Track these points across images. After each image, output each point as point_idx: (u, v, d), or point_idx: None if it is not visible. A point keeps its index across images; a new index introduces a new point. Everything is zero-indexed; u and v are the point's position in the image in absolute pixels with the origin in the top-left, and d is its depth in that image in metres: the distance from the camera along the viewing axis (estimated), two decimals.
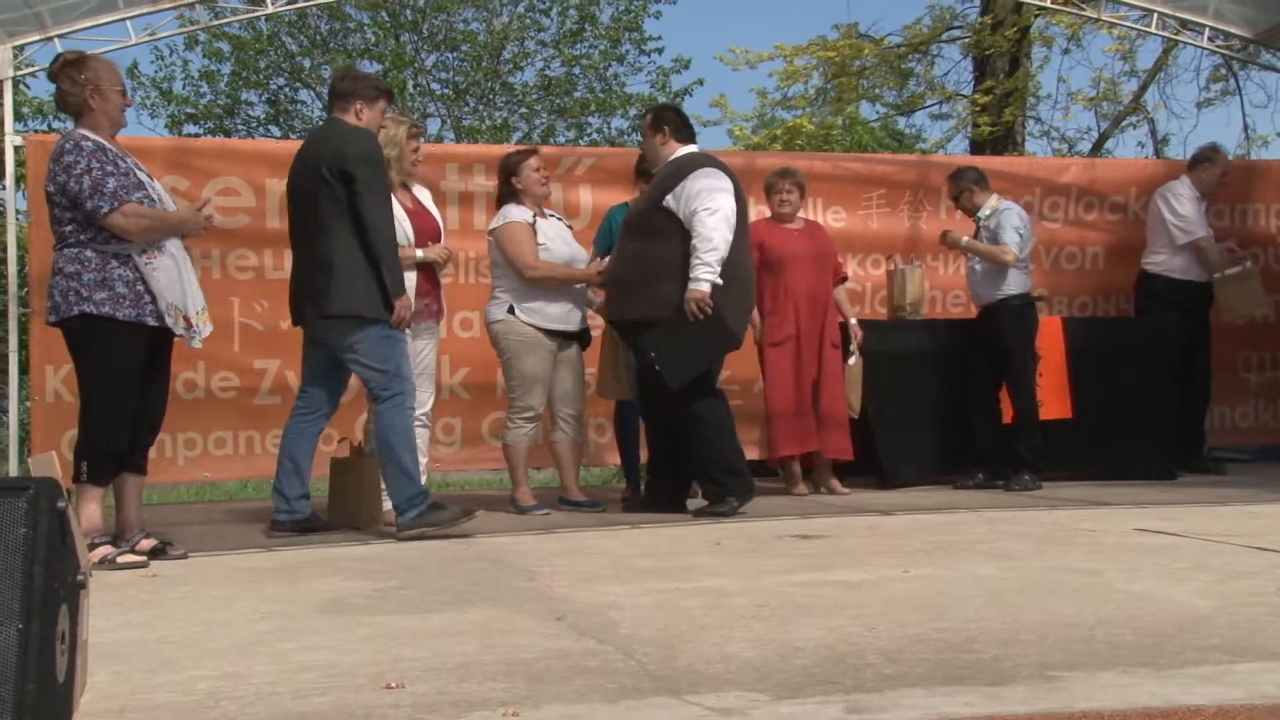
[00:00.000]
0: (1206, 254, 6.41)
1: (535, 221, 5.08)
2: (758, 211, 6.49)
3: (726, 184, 4.68)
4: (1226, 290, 6.40)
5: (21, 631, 1.53)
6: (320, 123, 4.76)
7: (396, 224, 4.56)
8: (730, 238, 4.60)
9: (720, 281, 4.54)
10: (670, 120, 4.95)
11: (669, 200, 4.66)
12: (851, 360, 5.71)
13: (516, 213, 5.10)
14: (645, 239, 4.72)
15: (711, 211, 4.55)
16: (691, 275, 4.54)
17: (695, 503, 4.95)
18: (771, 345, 5.61)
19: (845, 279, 5.91)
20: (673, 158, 4.81)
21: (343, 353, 4.26)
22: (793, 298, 5.57)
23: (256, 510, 5.33)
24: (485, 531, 4.39)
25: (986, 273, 5.82)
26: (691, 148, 4.88)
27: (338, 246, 4.18)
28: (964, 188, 5.98)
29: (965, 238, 6.00)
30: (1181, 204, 6.40)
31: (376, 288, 4.16)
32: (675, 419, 4.76)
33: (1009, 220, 5.80)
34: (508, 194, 5.18)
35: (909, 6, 25.42)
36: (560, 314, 5.06)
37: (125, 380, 3.77)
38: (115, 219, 3.68)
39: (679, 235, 4.60)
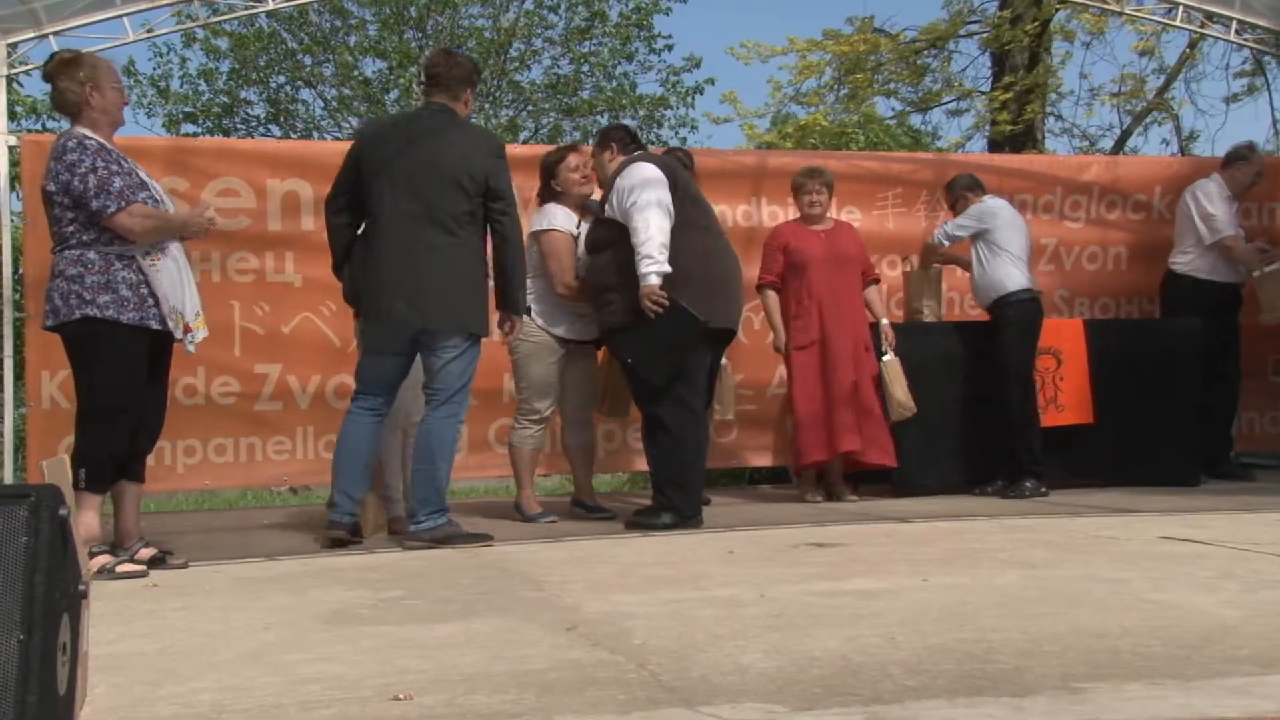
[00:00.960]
0: (1235, 253, 6.27)
1: (578, 232, 5.02)
2: (770, 213, 6.47)
3: (655, 174, 4.57)
4: (1266, 288, 6.26)
5: (23, 642, 1.50)
6: (423, 107, 4.45)
7: None
8: (666, 225, 4.48)
9: (669, 269, 4.43)
10: (617, 137, 4.93)
11: (609, 210, 4.64)
12: (887, 358, 5.58)
13: (562, 220, 5.02)
14: (595, 254, 4.72)
15: (639, 206, 4.46)
16: (639, 272, 4.44)
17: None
18: (797, 349, 5.51)
19: (877, 280, 5.79)
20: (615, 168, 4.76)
21: (430, 353, 4.19)
22: (816, 301, 5.48)
23: (257, 519, 5.29)
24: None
25: (979, 275, 5.77)
26: (634, 154, 4.81)
27: (463, 256, 4.14)
28: (958, 195, 5.93)
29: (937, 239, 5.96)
30: (1211, 203, 6.28)
31: (485, 303, 4.20)
32: (644, 424, 4.70)
33: (967, 211, 5.79)
34: (548, 195, 5.13)
35: (925, 2, 25.17)
36: (576, 327, 5.02)
37: (127, 385, 3.71)
38: (122, 219, 3.62)
39: (624, 242, 4.53)
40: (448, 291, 4.12)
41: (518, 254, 4.23)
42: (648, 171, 4.58)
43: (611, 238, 4.60)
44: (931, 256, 6.05)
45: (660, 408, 4.58)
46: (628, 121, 17.56)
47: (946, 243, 5.84)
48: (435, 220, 4.11)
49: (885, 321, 5.69)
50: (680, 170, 4.81)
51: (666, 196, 4.53)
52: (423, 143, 4.19)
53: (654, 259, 4.42)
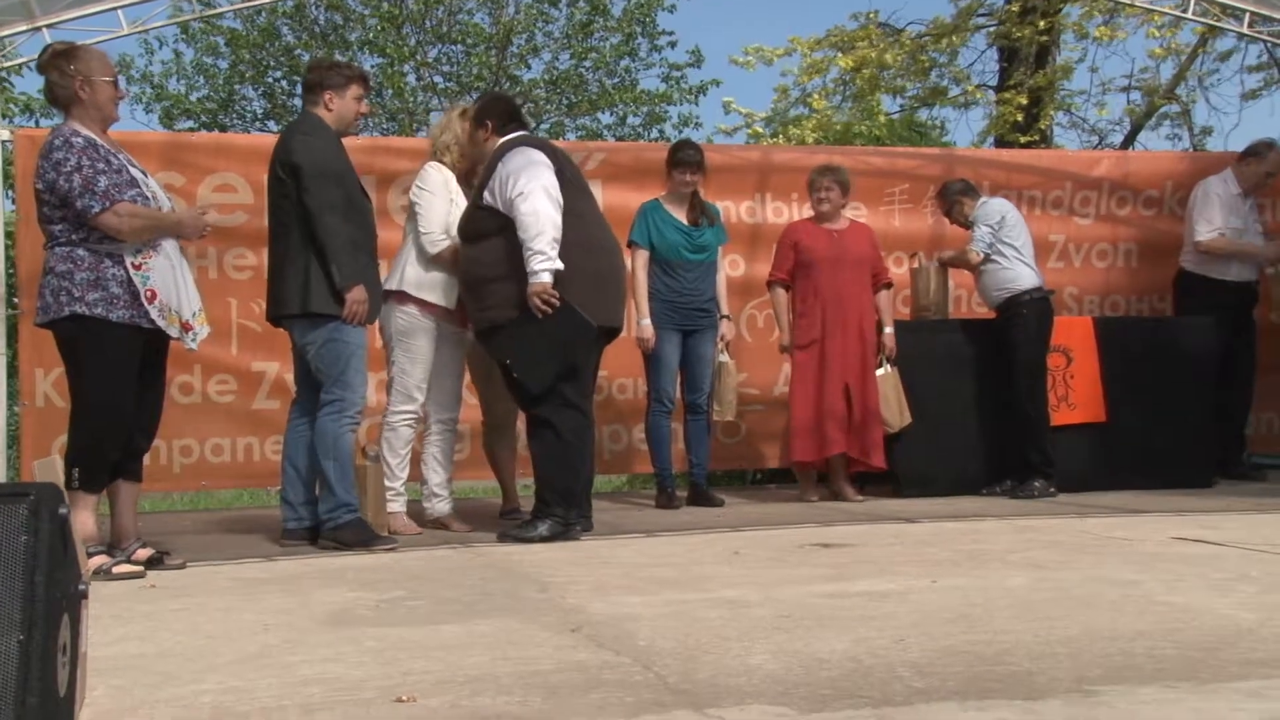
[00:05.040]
0: (1221, 253, 6.18)
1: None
2: (775, 209, 6.44)
3: (541, 159, 4.23)
4: (1278, 287, 6.21)
5: (23, 643, 1.49)
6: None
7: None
8: (557, 216, 4.14)
9: (561, 265, 4.12)
10: (494, 114, 4.49)
11: (487, 197, 4.26)
12: (880, 371, 5.54)
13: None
14: (474, 243, 4.32)
15: (525, 195, 4.11)
16: (527, 268, 4.11)
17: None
18: (799, 348, 5.51)
19: (889, 285, 5.73)
20: (492, 150, 4.40)
21: (303, 351, 4.22)
22: (821, 300, 5.47)
23: (254, 519, 5.25)
24: (493, 540, 4.31)
25: (990, 273, 5.71)
26: (509, 137, 4.42)
27: (290, 243, 4.14)
28: (953, 201, 5.88)
29: (949, 252, 5.90)
30: (1208, 201, 6.21)
31: (326, 284, 4.08)
32: (528, 430, 4.36)
33: (981, 216, 5.72)
34: None
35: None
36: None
37: (119, 383, 3.66)
38: (107, 218, 3.58)
39: (507, 230, 4.18)
40: (276, 279, 4.19)
41: (321, 230, 4.05)
42: (533, 155, 4.25)
43: (493, 227, 4.24)
44: (960, 265, 5.89)
45: (544, 409, 4.25)
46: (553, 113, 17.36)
47: (990, 253, 5.70)
48: (272, 212, 4.25)
49: (889, 330, 5.62)
50: (562, 152, 4.46)
51: (554, 183, 4.20)
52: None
53: (545, 255, 4.09)
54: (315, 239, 4.07)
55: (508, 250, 4.18)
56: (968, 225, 5.86)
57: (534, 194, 4.12)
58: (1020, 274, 5.64)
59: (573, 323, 4.19)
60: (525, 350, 4.19)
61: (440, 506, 4.72)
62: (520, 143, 4.36)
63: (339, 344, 4.13)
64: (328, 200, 4.10)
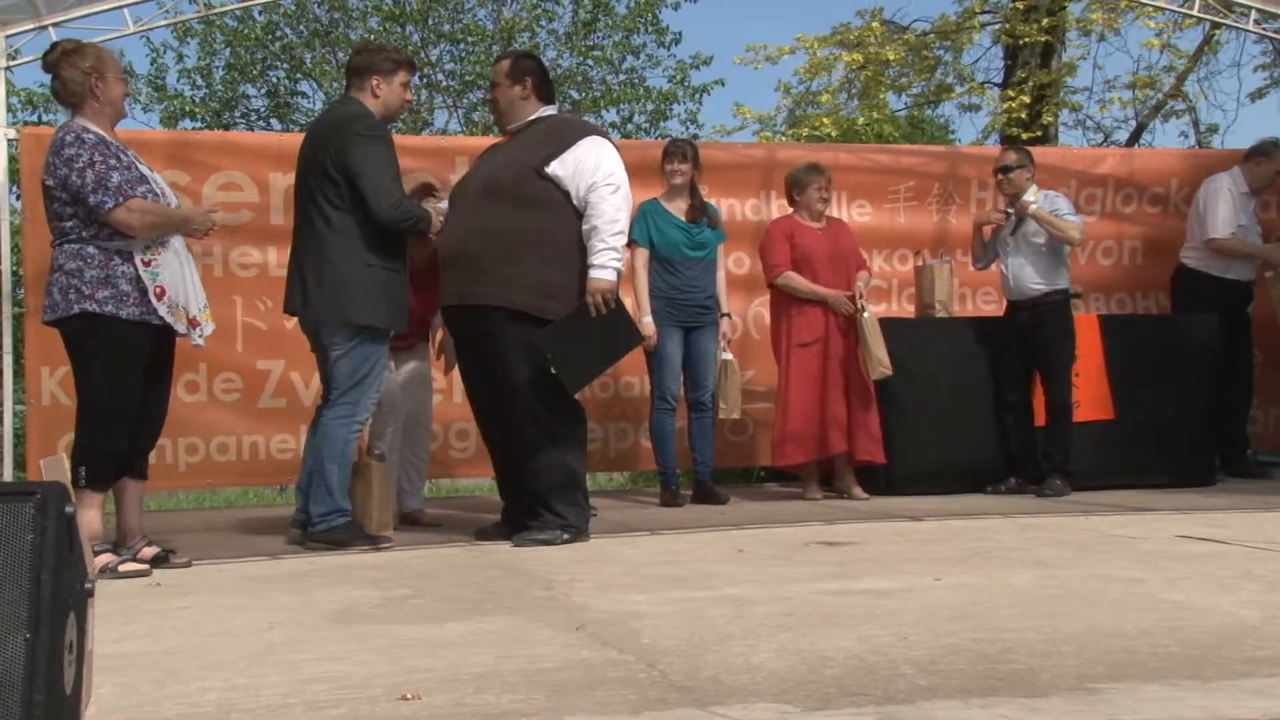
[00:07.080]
0: (1226, 251, 6.17)
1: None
2: (779, 207, 6.43)
3: (619, 159, 4.12)
4: (1278, 289, 6.21)
5: (29, 641, 1.49)
6: (337, 100, 4.58)
7: None
8: (628, 222, 4.10)
9: (624, 271, 4.02)
10: (533, 71, 4.26)
11: (555, 167, 4.00)
12: (865, 315, 5.43)
13: None
14: (518, 209, 4.00)
15: (615, 188, 3.97)
16: (594, 262, 3.92)
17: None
18: (800, 346, 5.46)
19: (868, 276, 5.74)
20: (539, 116, 4.19)
21: (324, 349, 4.19)
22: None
23: (259, 517, 5.26)
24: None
25: (1040, 265, 5.55)
26: (553, 109, 4.33)
27: (334, 244, 4.05)
28: (1022, 163, 5.65)
29: (1033, 206, 5.48)
30: (1217, 198, 6.19)
31: (371, 293, 4.04)
32: (525, 430, 4.09)
33: (1065, 204, 5.62)
34: None
35: None
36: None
37: (127, 381, 3.68)
38: (120, 215, 3.59)
39: (567, 210, 3.99)
40: (324, 282, 4.06)
41: (401, 233, 4.05)
42: (616, 154, 4.13)
43: (551, 201, 3.99)
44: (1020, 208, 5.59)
45: (545, 410, 4.02)
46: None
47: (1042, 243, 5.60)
48: (317, 207, 4.10)
49: (864, 274, 5.60)
50: None
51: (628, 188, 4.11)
52: (309, 133, 4.30)
53: (618, 254, 3.95)
54: (390, 246, 4.03)
55: (552, 233, 3.98)
56: (1017, 195, 5.58)
57: (621, 190, 4.02)
58: (1062, 273, 5.58)
59: (623, 328, 4.08)
60: (574, 349, 3.94)
61: (408, 502, 4.77)
62: (602, 131, 4.30)
63: (364, 354, 4.09)
64: (392, 209, 3.99)
